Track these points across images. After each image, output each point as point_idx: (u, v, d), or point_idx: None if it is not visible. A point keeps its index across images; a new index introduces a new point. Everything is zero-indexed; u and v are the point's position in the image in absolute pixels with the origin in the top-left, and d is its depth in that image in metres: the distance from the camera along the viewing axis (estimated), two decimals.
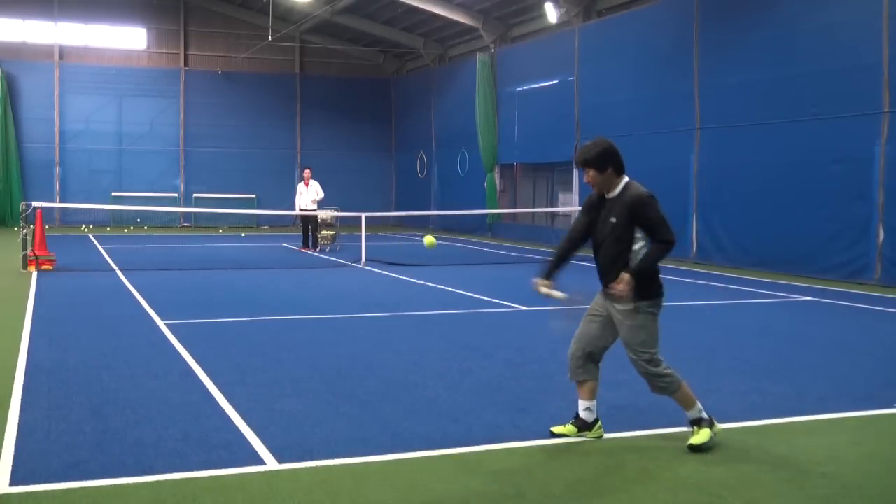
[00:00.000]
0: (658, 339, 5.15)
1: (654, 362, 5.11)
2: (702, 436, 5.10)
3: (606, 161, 5.12)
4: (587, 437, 5.25)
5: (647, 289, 5.05)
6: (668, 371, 5.12)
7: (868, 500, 4.36)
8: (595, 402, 5.29)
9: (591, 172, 5.16)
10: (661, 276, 5.18)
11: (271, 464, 4.73)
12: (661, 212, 5.05)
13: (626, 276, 4.95)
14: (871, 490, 4.50)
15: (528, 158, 25.09)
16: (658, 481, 4.55)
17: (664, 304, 5.18)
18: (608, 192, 5.18)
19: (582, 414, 5.29)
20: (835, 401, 6.34)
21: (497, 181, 26.09)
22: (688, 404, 5.16)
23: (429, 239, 9.30)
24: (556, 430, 5.32)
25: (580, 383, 5.29)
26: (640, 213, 5.04)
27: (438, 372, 7.13)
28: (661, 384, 5.12)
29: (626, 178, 5.18)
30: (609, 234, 5.12)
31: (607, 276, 5.15)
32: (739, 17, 16.67)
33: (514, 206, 25.99)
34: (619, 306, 5.10)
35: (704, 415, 5.16)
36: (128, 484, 4.38)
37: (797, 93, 15.21)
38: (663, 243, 5.00)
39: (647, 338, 5.09)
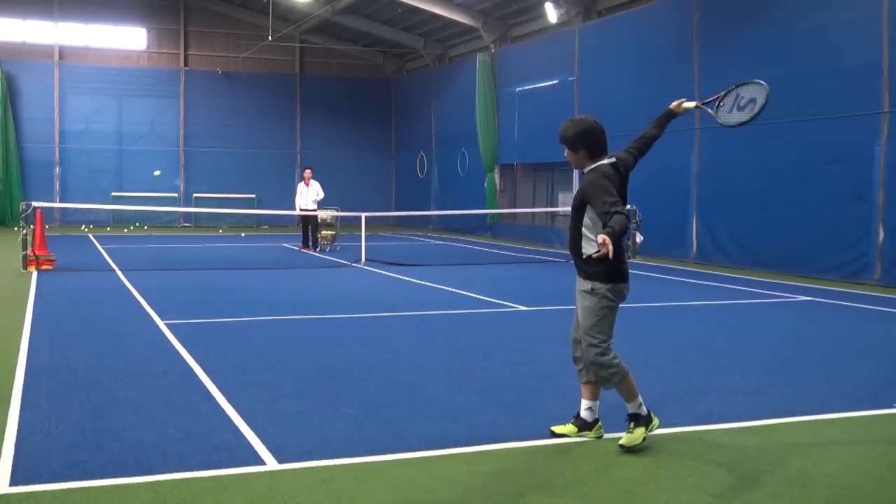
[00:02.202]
0: (611, 328, 5.12)
1: (603, 352, 5.07)
2: (636, 436, 5.05)
3: (579, 143, 5.08)
4: (587, 437, 5.25)
5: (605, 271, 5.00)
6: (615, 362, 5.07)
7: (868, 500, 4.36)
8: (597, 403, 5.29)
9: (566, 150, 5.15)
10: (620, 265, 5.09)
11: (271, 464, 4.73)
12: (608, 188, 4.83)
13: (602, 236, 4.58)
14: (871, 490, 4.50)
15: (528, 158, 25.09)
16: (658, 481, 4.55)
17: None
18: (582, 169, 5.18)
19: (583, 413, 5.29)
20: (835, 401, 6.34)
21: (497, 181, 26.09)
22: (629, 397, 5.11)
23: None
24: (556, 429, 5.32)
25: (584, 383, 5.28)
26: (587, 194, 4.94)
27: (438, 372, 7.13)
28: (606, 374, 5.09)
29: (600, 161, 5.06)
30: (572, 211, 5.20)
31: (572, 254, 5.22)
32: (739, 17, 16.67)
33: (514, 206, 26.00)
34: (580, 286, 5.14)
35: (643, 410, 5.11)
36: (128, 484, 4.38)
37: (797, 93, 15.20)
38: (614, 214, 4.70)
39: (599, 323, 5.06)
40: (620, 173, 5.11)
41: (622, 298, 5.16)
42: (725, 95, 5.54)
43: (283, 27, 29.23)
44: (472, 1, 24.97)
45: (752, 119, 5.36)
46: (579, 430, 5.28)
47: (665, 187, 17.90)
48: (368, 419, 5.65)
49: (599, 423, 5.30)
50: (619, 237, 4.70)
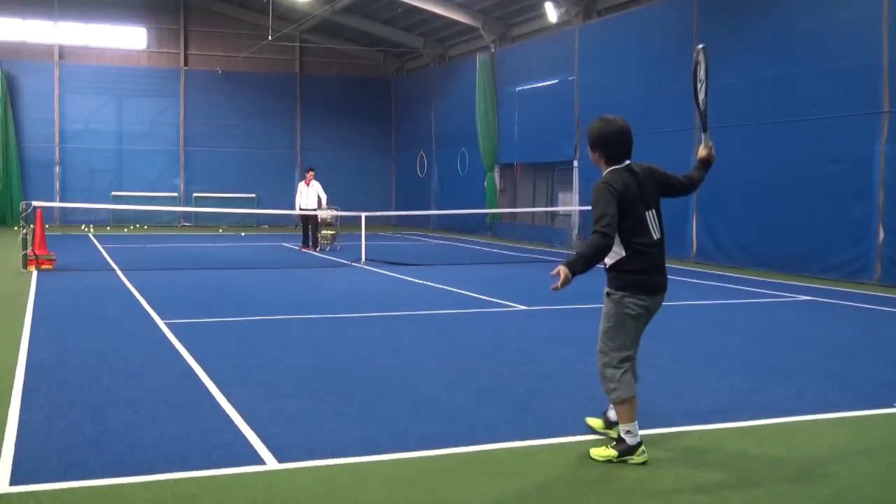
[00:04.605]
0: (626, 341, 4.86)
1: (610, 363, 4.86)
2: (605, 453, 4.84)
3: (595, 144, 4.98)
4: (612, 435, 5.14)
5: (617, 279, 4.87)
6: (621, 379, 4.83)
7: (868, 500, 4.36)
8: None
9: (588, 147, 5.07)
10: (641, 276, 4.84)
11: (271, 464, 4.73)
12: (602, 201, 4.70)
13: (558, 267, 4.52)
14: (871, 490, 4.50)
15: (528, 158, 25.10)
16: (658, 481, 4.55)
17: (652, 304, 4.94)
18: (600, 169, 5.03)
19: (609, 412, 5.26)
20: (835, 401, 6.33)
21: (497, 181, 26.10)
22: (623, 419, 4.86)
23: None
24: (589, 421, 5.36)
25: None
26: (592, 202, 4.83)
27: (438, 372, 7.13)
28: (606, 388, 4.92)
29: (615, 167, 4.91)
30: None
31: None
32: (739, 17, 16.67)
33: (514, 206, 26.00)
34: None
35: (632, 440, 4.81)
36: (128, 484, 4.38)
37: (797, 92, 15.21)
38: (593, 233, 4.65)
39: (611, 331, 4.87)
40: (636, 174, 4.91)
41: (645, 311, 4.89)
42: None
43: (283, 27, 29.23)
44: (471, 0, 24.97)
45: (700, 85, 5.25)
46: (605, 426, 5.26)
47: None
48: (368, 419, 5.65)
49: None
50: (583, 263, 4.56)
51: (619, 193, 4.77)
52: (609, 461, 4.83)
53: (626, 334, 4.88)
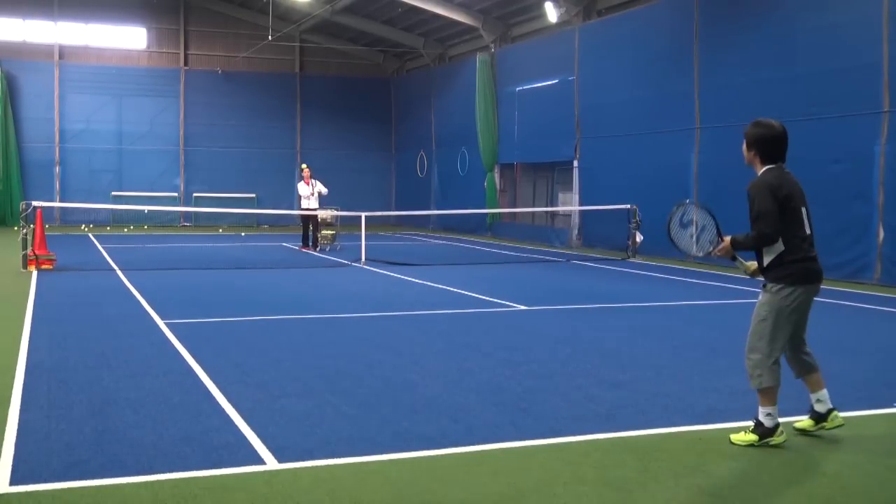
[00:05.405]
0: (773, 332, 5.12)
1: (755, 348, 5.15)
2: (746, 438, 5.15)
3: (752, 143, 5.34)
4: (825, 429, 5.32)
5: (773, 272, 5.16)
6: (766, 369, 5.11)
7: (868, 500, 4.36)
8: (823, 392, 5.36)
9: (743, 145, 5.36)
10: (798, 264, 5.14)
11: (271, 464, 4.73)
12: (759, 199, 5.10)
13: (726, 238, 5.31)
14: (871, 490, 4.50)
15: (528, 158, 25.10)
16: (658, 481, 4.55)
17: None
18: (754, 169, 5.37)
19: (815, 407, 5.38)
20: (835, 401, 6.27)
21: (497, 181, 26.10)
22: (763, 402, 5.17)
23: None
24: (797, 425, 5.44)
25: (803, 379, 5.42)
26: (750, 197, 5.20)
27: (438, 372, 7.13)
28: (751, 373, 5.19)
29: (770, 167, 5.24)
30: None
31: None
32: (739, 17, 16.67)
33: (514, 206, 26.01)
34: None
35: (770, 423, 5.12)
36: (128, 484, 4.38)
37: (797, 92, 15.21)
38: (754, 232, 5.16)
39: (762, 320, 5.16)
40: (789, 175, 5.26)
41: (804, 301, 5.17)
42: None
43: (283, 27, 29.24)
44: (471, 0, 24.97)
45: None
46: (816, 424, 5.38)
47: (665, 187, 17.88)
48: (368, 419, 5.65)
49: (834, 412, 5.33)
50: (746, 240, 5.16)
51: (775, 187, 5.12)
52: (751, 445, 5.05)
53: (778, 325, 5.15)
